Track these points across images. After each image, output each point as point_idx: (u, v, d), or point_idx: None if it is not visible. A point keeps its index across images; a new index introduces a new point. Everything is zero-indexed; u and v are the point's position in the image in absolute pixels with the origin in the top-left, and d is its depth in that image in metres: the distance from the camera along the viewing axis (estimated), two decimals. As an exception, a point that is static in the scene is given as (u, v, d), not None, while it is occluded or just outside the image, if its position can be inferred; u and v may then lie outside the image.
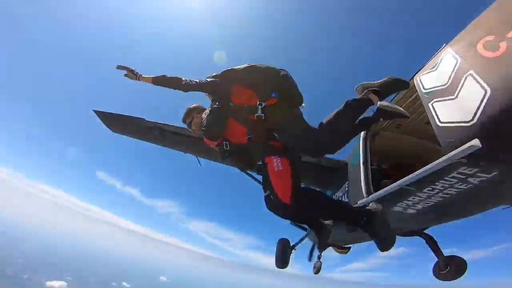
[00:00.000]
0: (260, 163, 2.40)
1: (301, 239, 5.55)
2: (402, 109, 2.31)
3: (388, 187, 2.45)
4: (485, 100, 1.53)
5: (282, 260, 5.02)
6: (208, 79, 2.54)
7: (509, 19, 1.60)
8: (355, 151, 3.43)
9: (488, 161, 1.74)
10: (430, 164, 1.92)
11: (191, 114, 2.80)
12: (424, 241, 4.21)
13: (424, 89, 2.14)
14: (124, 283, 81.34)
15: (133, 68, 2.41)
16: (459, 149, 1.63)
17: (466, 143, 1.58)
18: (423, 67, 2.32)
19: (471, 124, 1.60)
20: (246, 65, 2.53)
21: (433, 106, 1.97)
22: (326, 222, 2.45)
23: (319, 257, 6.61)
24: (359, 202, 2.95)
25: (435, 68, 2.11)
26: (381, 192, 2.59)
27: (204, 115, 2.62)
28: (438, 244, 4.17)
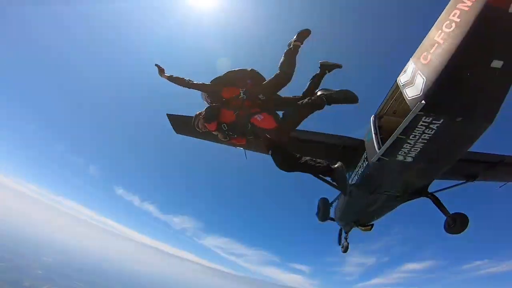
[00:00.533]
0: (250, 126, 3.54)
1: (336, 198, 7.38)
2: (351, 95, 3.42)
3: (389, 139, 4.11)
4: (424, 83, 3.48)
5: (324, 215, 6.63)
6: (205, 83, 3.90)
7: (429, 43, 3.50)
8: (368, 130, 5.14)
9: (432, 112, 3.49)
10: (406, 117, 3.71)
11: (197, 117, 3.92)
12: (432, 202, 5.63)
13: (401, 83, 4.06)
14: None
15: (163, 68, 3.89)
16: (416, 106, 3.50)
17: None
18: (401, 72, 4.13)
19: (420, 95, 3.52)
20: (225, 72, 3.91)
21: (405, 91, 3.88)
22: (336, 165, 3.54)
23: (346, 238, 8.26)
24: (373, 159, 4.63)
25: (405, 71, 4.00)
26: (386, 143, 4.21)
27: (203, 112, 3.80)
28: (442, 203, 5.58)
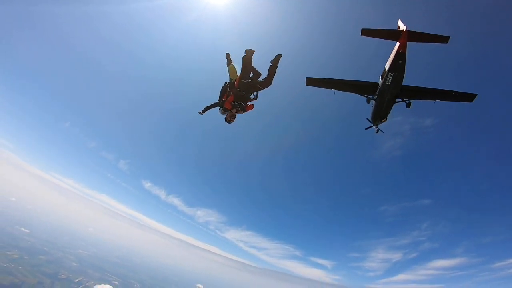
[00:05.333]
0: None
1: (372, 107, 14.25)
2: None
3: (384, 75, 11.75)
4: (388, 66, 11.46)
5: (373, 121, 14.50)
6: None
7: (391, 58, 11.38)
8: (381, 73, 12.10)
9: (391, 71, 11.31)
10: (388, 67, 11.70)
11: (224, 114, 7.81)
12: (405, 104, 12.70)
13: (385, 67, 11.63)
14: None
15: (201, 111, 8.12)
16: (386, 69, 11.50)
17: (386, 70, 11.55)
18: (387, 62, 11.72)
19: (388, 68, 11.40)
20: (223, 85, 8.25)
21: (385, 69, 11.59)
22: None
23: (377, 129, 14.70)
24: (380, 85, 12.26)
25: (387, 65, 11.47)
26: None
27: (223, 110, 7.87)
28: (409, 104, 12.60)
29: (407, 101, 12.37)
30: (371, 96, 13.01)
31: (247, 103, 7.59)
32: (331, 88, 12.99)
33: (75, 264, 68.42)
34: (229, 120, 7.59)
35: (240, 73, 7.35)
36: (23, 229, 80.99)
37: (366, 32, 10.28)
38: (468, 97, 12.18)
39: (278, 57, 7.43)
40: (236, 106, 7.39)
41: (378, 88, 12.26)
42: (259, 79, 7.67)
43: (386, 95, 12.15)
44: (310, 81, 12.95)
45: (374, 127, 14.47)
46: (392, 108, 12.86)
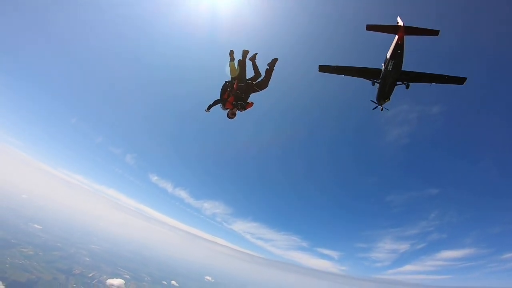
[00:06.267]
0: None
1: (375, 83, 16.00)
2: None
3: (391, 51, 13.21)
4: (389, 55, 13.42)
5: (378, 100, 16.45)
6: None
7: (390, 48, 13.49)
8: (383, 61, 14.15)
9: (392, 59, 13.26)
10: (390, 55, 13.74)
11: (225, 110, 8.40)
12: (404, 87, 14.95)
13: (386, 56, 13.57)
14: (173, 282, 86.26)
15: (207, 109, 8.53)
16: (388, 57, 13.51)
17: (387, 58, 13.54)
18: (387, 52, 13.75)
19: (389, 56, 13.34)
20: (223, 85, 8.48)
21: (387, 57, 13.57)
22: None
23: (382, 108, 16.62)
24: (383, 70, 14.37)
25: (388, 54, 13.33)
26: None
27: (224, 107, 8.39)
28: (408, 86, 14.96)
29: (406, 84, 14.64)
30: (375, 80, 15.19)
31: (247, 101, 8.12)
32: (341, 74, 14.93)
33: (87, 259, 70.29)
34: (230, 117, 8.21)
35: (236, 81, 7.95)
36: (36, 226, 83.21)
37: (370, 27, 12.21)
38: (459, 80, 14.06)
39: (274, 60, 7.87)
40: (237, 106, 7.96)
41: (381, 73, 14.49)
42: (257, 81, 8.06)
43: (388, 79, 14.34)
44: (322, 68, 14.87)
45: (379, 106, 16.61)
46: (394, 90, 15.19)
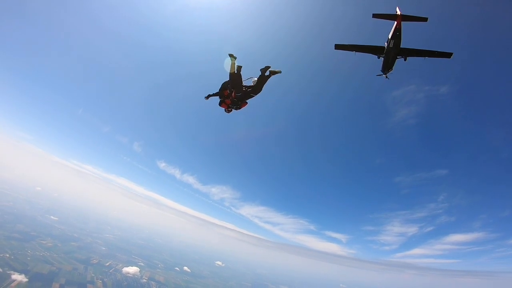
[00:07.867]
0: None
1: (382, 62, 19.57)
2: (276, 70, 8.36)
3: (392, 33, 16.39)
4: (390, 36, 16.54)
5: (384, 69, 19.42)
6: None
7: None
8: (386, 40, 17.22)
9: (392, 39, 16.54)
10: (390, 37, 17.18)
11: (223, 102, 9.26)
12: (403, 59, 18.31)
13: (388, 37, 16.70)
14: (186, 268, 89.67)
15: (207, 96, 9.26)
16: (389, 37, 16.69)
17: (389, 38, 16.74)
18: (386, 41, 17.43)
19: (390, 37, 16.47)
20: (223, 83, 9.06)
21: (388, 37, 16.76)
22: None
23: (387, 76, 19.98)
24: (386, 47, 17.48)
25: (390, 35, 16.47)
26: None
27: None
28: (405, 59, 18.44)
29: (404, 57, 17.97)
30: (380, 55, 18.79)
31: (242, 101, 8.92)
32: (353, 51, 18.20)
33: (104, 248, 73.12)
34: (227, 112, 9.25)
35: (234, 91, 8.57)
36: (52, 217, 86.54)
37: (375, 15, 15.48)
38: (446, 55, 17.18)
39: (266, 68, 8.30)
40: (232, 106, 8.95)
41: (385, 49, 17.86)
42: (253, 88, 8.59)
43: (390, 54, 17.82)
44: (338, 46, 18.02)
45: (383, 75, 19.81)
46: (395, 63, 18.78)
